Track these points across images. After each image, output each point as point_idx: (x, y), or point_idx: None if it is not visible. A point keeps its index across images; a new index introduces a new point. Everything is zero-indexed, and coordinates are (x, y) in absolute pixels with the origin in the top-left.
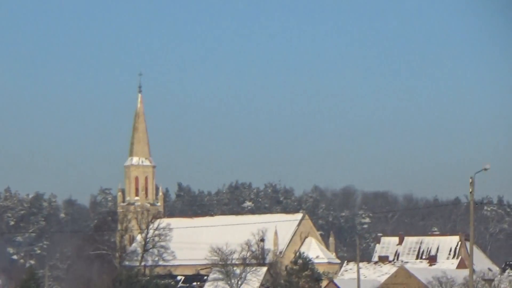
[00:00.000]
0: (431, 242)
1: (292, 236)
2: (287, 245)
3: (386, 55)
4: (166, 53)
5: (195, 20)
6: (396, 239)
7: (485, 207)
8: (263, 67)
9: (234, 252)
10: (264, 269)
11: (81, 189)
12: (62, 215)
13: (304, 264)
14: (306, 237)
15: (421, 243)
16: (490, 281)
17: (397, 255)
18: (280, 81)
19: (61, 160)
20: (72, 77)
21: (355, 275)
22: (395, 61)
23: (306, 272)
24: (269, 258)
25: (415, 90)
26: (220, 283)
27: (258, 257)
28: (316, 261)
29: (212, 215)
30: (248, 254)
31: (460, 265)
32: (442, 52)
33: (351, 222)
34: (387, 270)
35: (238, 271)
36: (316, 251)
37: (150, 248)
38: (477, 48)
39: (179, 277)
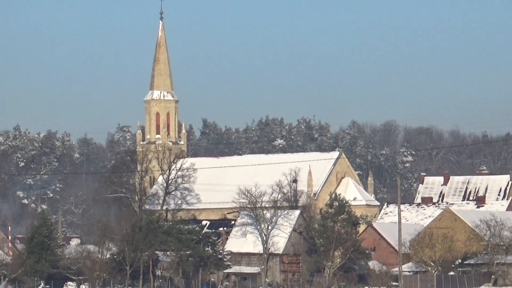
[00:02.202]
0: (479, 181)
1: (328, 177)
2: (322, 187)
3: None
4: None
5: None
6: (441, 179)
7: None
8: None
9: (264, 195)
10: (297, 212)
11: (97, 127)
12: (77, 155)
13: (340, 206)
14: (342, 178)
15: (468, 183)
16: None
17: (442, 196)
18: (314, 13)
19: (75, 95)
20: (87, 3)
21: (395, 219)
22: None
23: (342, 216)
24: (302, 200)
25: (459, 24)
26: (249, 228)
27: (290, 200)
28: (353, 203)
29: (240, 154)
30: (280, 196)
31: (510, 207)
32: None
33: (392, 161)
34: (431, 212)
35: (268, 215)
36: (353, 192)
37: (173, 191)
38: None
39: (204, 222)
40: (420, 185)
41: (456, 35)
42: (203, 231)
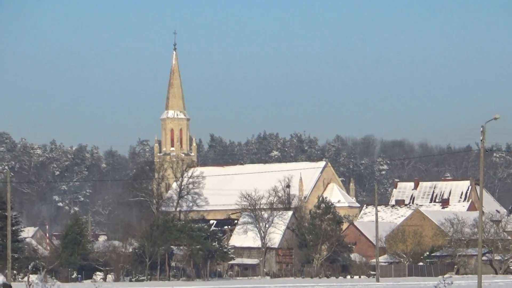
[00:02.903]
0: (444, 186)
1: (316, 183)
2: (311, 191)
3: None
4: (199, 12)
5: None
6: (411, 184)
7: (495, 154)
8: (288, 25)
9: (262, 198)
10: (290, 213)
11: (121, 141)
12: (104, 165)
13: (326, 208)
14: (328, 183)
15: (434, 187)
16: (497, 222)
17: (412, 199)
18: (306, 36)
19: (102, 114)
20: (113, 37)
21: (373, 218)
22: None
23: (328, 216)
24: (294, 203)
25: (427, 43)
26: (249, 226)
27: (284, 202)
28: (337, 205)
29: (242, 164)
30: (275, 199)
31: (471, 208)
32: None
33: (370, 169)
34: (403, 213)
35: (265, 215)
36: (337, 196)
37: (185, 195)
38: None
39: (211, 221)
40: (394, 189)
41: (423, 60)
42: (211, 229)
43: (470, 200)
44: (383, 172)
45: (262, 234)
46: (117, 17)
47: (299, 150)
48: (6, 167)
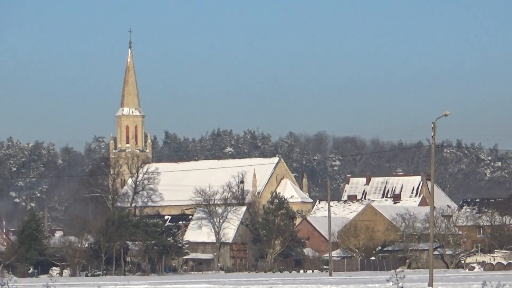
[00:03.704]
0: (396, 182)
1: (269, 178)
2: (264, 187)
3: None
4: (154, 10)
5: None
6: (363, 180)
7: (445, 150)
8: (240, 22)
9: (216, 193)
10: (244, 208)
11: (77, 138)
12: (60, 161)
13: (279, 203)
14: (281, 179)
15: (386, 183)
16: (448, 216)
17: (364, 194)
18: (257, 33)
19: (58, 111)
20: (69, 35)
21: (326, 213)
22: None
23: (281, 211)
24: (248, 198)
25: (377, 40)
26: (204, 222)
27: (238, 198)
28: (290, 200)
29: (196, 160)
30: (229, 195)
31: (422, 203)
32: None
33: (323, 165)
34: (355, 208)
35: (220, 210)
36: (290, 191)
37: (140, 191)
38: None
39: (166, 217)
40: (346, 185)
41: (373, 57)
42: (166, 224)
43: (421, 195)
44: (336, 168)
45: (216, 229)
46: (72, 14)
47: (252, 146)
48: None
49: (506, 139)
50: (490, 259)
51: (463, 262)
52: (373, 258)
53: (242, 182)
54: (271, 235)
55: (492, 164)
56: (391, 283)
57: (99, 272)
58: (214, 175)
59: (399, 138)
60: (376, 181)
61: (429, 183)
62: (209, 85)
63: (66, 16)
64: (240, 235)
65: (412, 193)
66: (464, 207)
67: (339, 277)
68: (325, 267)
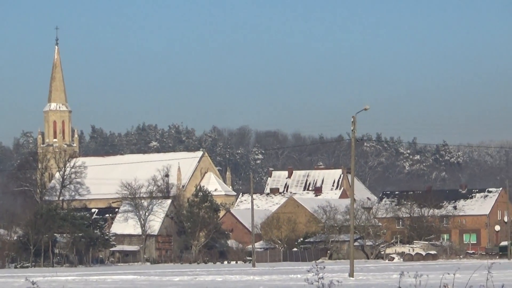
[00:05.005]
0: (317, 175)
1: (193, 172)
2: (189, 180)
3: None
4: (81, 8)
5: None
6: (285, 173)
7: (365, 143)
8: (166, 19)
9: (142, 187)
10: (169, 201)
11: (5, 133)
12: None
13: (204, 196)
14: (205, 173)
15: (308, 176)
16: (368, 209)
17: (286, 187)
18: (182, 31)
19: None
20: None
21: (249, 206)
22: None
23: (205, 204)
24: (173, 191)
25: (301, 37)
26: (130, 215)
27: (163, 191)
28: (214, 193)
29: (122, 154)
30: (154, 188)
31: (343, 195)
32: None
33: (246, 159)
34: (278, 200)
35: (145, 203)
36: (214, 184)
37: (67, 184)
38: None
39: (93, 210)
40: (269, 178)
41: (296, 53)
42: (93, 217)
43: (342, 188)
44: (258, 162)
45: (142, 222)
46: (0, 12)
47: (177, 140)
48: None
49: (425, 133)
50: (409, 250)
51: (383, 253)
52: (295, 249)
53: (167, 175)
54: (196, 227)
55: (411, 157)
56: (312, 274)
57: (28, 264)
58: (140, 169)
59: (320, 132)
60: (298, 174)
61: (349, 176)
62: (134, 80)
63: None
64: (165, 227)
65: (333, 186)
66: (384, 200)
67: (262, 268)
68: (248, 258)
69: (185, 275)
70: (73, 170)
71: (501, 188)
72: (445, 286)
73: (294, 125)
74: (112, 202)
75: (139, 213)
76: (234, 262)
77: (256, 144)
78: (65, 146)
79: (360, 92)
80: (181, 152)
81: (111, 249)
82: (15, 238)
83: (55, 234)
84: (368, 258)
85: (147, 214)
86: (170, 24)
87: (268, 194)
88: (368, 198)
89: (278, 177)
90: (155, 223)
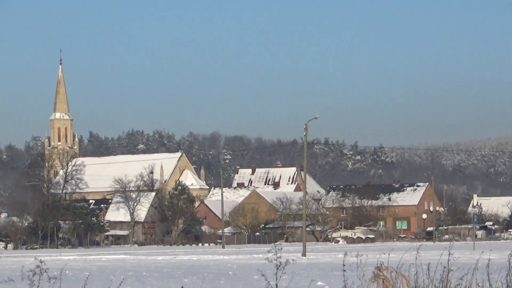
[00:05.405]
0: (276, 172)
1: (173, 169)
2: (170, 176)
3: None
4: (81, 33)
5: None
6: (249, 170)
7: (315, 146)
8: (144, 30)
9: (131, 182)
10: (153, 194)
11: (18, 137)
12: (4, 156)
13: (182, 189)
14: (183, 170)
15: (268, 173)
16: (318, 200)
17: (250, 182)
18: (162, 46)
19: (2, 116)
20: (8, 53)
21: (220, 197)
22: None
23: (183, 196)
24: (156, 185)
25: (266, 48)
26: (121, 205)
27: (148, 185)
28: (191, 187)
29: (114, 155)
30: (141, 183)
31: (297, 189)
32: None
33: (217, 158)
34: (243, 193)
35: (134, 195)
36: (191, 180)
37: (69, 180)
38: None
39: (91, 201)
40: (236, 174)
41: (260, 64)
42: (90, 207)
43: (296, 183)
44: (227, 161)
45: (131, 211)
46: (13, 35)
47: (160, 144)
48: None
49: (365, 137)
50: (351, 234)
51: (330, 236)
52: (257, 233)
53: (152, 172)
54: (175, 215)
55: (353, 157)
56: (271, 254)
57: (36, 246)
58: (129, 167)
59: (278, 136)
60: (260, 171)
61: (302, 173)
62: (125, 94)
63: (7, 37)
64: (150, 215)
65: (289, 181)
66: (331, 192)
67: (230, 249)
68: (219, 241)
69: (167, 255)
70: (74, 168)
71: (427, 183)
72: (381, 264)
73: (257, 131)
74: (107, 195)
75: (128, 203)
76: (207, 244)
77: (225, 147)
78: (68, 148)
79: (311, 103)
80: (163, 153)
81: (105, 233)
82: (26, 224)
83: (59, 221)
84: (317, 241)
85: (135, 204)
86: (151, 40)
87: (235, 188)
88: (318, 191)
89: (244, 174)
90: (142, 212)
